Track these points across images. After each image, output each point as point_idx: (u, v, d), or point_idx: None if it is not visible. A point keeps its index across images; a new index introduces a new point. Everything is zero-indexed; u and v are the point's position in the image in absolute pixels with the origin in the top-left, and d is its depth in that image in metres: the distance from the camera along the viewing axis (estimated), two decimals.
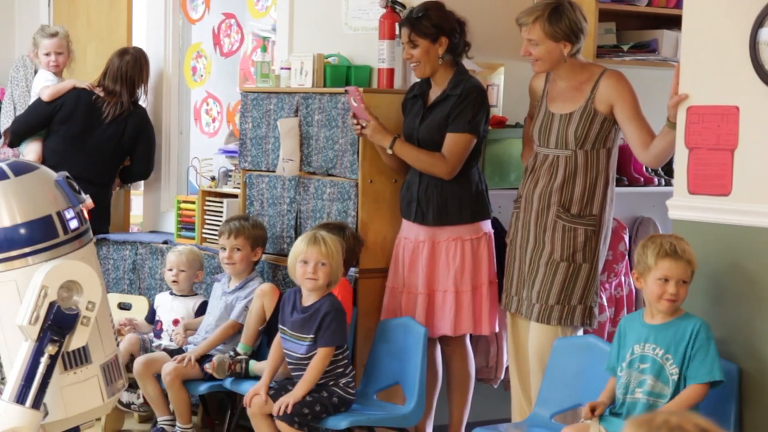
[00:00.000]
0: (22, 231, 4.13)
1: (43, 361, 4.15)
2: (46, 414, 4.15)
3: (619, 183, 5.26)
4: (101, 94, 6.40)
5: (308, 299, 4.87)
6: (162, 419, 5.44)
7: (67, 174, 4.26)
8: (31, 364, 4.12)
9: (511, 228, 5.03)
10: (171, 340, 5.58)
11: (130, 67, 6.43)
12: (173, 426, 5.41)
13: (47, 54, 6.64)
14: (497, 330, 5.26)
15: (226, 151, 6.27)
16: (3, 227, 4.11)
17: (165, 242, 6.19)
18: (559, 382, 4.71)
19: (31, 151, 6.46)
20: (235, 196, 5.91)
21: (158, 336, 5.65)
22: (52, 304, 4.08)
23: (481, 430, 4.69)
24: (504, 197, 5.31)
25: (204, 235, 6.02)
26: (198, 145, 6.92)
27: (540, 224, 4.87)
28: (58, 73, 6.67)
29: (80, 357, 4.19)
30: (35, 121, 6.52)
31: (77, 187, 4.25)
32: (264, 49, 5.91)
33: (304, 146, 5.50)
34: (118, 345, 4.28)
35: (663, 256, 4.07)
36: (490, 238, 5.19)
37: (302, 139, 5.50)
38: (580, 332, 4.89)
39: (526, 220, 4.91)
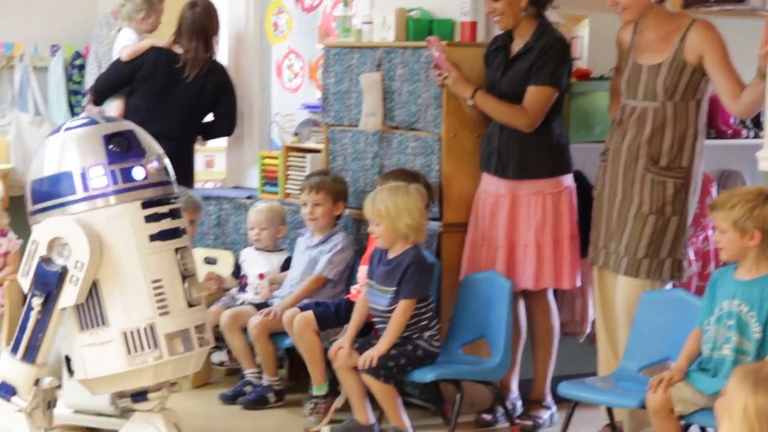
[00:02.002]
0: (43, 186, 4.18)
1: (33, 315, 4.18)
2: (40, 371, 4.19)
3: (707, 135, 5.15)
4: (179, 51, 6.39)
5: (393, 252, 4.86)
6: (249, 372, 5.47)
7: (118, 132, 4.21)
8: (23, 316, 4.18)
9: (598, 181, 4.96)
10: (256, 293, 5.60)
11: (202, 18, 6.43)
12: (260, 379, 5.43)
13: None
14: (579, 284, 5.21)
15: (308, 107, 6.26)
16: (31, 180, 4.21)
17: (249, 197, 6.21)
18: (646, 335, 4.68)
19: (113, 108, 6.51)
20: (318, 151, 5.89)
21: (243, 290, 5.67)
22: (39, 259, 4.11)
23: (567, 383, 4.67)
24: (589, 150, 5.23)
25: (287, 191, 6.03)
26: (280, 100, 6.93)
27: (628, 177, 4.79)
28: (149, 32, 6.69)
29: (96, 318, 4.17)
30: (116, 81, 6.56)
31: (131, 145, 4.20)
32: (346, 4, 5.88)
33: (386, 101, 5.47)
34: (162, 314, 4.13)
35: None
36: (572, 192, 5.14)
37: (385, 94, 5.47)
38: (669, 286, 4.83)
39: (614, 173, 4.84)
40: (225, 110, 6.61)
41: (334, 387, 5.15)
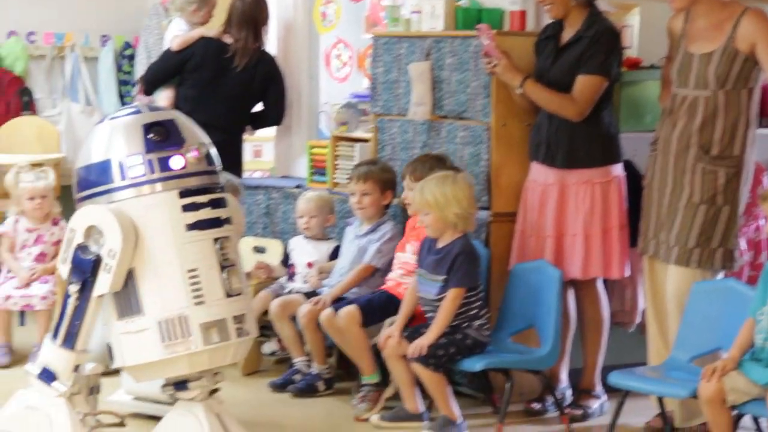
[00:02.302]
0: (87, 174, 4.19)
1: (70, 302, 4.21)
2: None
3: (759, 124, 5.10)
4: (229, 42, 6.41)
5: (442, 241, 4.87)
6: (298, 360, 5.50)
7: (158, 121, 4.18)
8: (63, 303, 4.23)
9: (648, 171, 4.95)
10: (305, 282, 5.62)
11: (252, 8, 6.43)
12: (309, 367, 5.45)
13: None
14: (628, 274, 5.19)
15: (357, 96, 6.26)
16: (78, 167, 4.24)
17: (298, 187, 6.23)
18: (698, 325, 4.67)
19: (163, 98, 6.53)
20: (367, 140, 5.90)
21: (292, 279, 5.69)
22: (76, 247, 4.12)
23: (617, 373, 4.67)
24: (639, 140, 5.21)
25: (335, 180, 6.05)
26: (329, 90, 6.93)
27: (679, 166, 4.77)
28: (200, 25, 6.70)
29: (132, 306, 4.16)
30: (165, 70, 6.59)
31: (170, 134, 4.17)
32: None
33: (435, 90, 5.46)
34: (197, 303, 4.09)
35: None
36: (621, 182, 5.12)
37: (434, 83, 5.46)
38: (720, 275, 4.82)
39: (665, 163, 4.82)
40: (274, 100, 6.62)
41: (385, 376, 5.16)
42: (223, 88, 6.43)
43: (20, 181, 5.93)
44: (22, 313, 6.00)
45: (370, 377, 5.17)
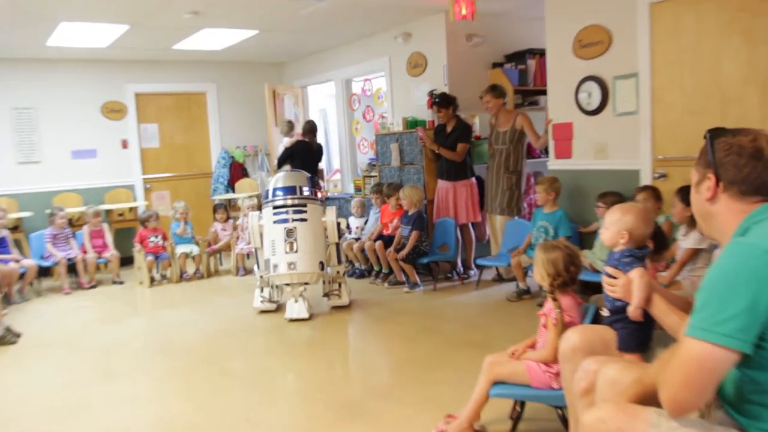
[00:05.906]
0: (264, 194, 4.00)
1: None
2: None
3: (527, 157, 5.14)
4: (305, 140, 5.95)
5: (410, 211, 4.80)
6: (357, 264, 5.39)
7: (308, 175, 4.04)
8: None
9: (486, 179, 4.91)
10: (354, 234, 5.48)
11: (310, 127, 5.92)
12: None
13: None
14: (480, 219, 5.10)
15: (372, 159, 6.20)
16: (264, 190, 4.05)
17: (351, 197, 6.06)
18: (509, 237, 4.64)
19: (284, 169, 6.06)
20: (376, 176, 5.78)
21: (349, 233, 5.50)
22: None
23: (480, 259, 4.63)
24: (482, 168, 5.16)
25: (365, 193, 5.84)
26: (359, 159, 6.80)
27: (497, 176, 4.78)
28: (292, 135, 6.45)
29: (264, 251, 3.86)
30: (284, 157, 6.03)
31: (314, 182, 3.99)
32: (383, 118, 5.87)
33: (401, 154, 5.40)
34: (272, 254, 3.71)
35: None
36: (476, 185, 5.04)
37: (401, 151, 5.38)
38: (517, 218, 4.80)
39: (491, 175, 4.82)
40: (319, 159, 6.06)
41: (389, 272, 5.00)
42: (306, 158, 5.70)
43: (244, 203, 5.93)
44: (248, 255, 6.00)
45: (385, 271, 5.01)
